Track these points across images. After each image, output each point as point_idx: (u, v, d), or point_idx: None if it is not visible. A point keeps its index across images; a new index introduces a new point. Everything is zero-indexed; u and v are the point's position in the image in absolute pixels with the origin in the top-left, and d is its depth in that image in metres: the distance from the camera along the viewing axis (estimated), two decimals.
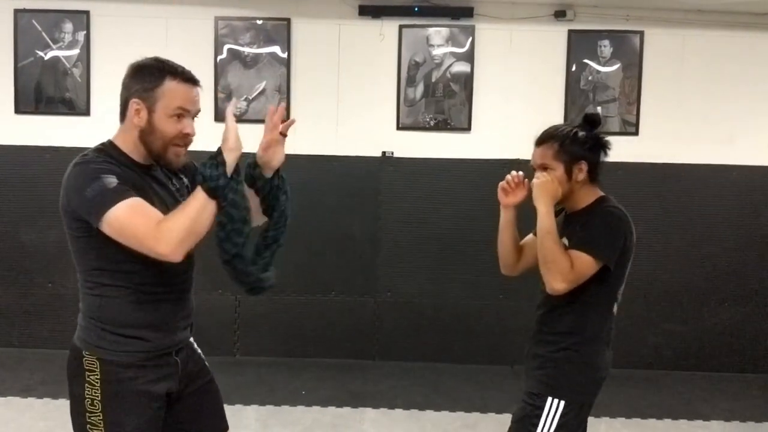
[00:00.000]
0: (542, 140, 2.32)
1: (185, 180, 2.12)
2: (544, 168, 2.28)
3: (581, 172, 2.27)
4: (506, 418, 4.12)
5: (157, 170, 2.03)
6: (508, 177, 2.37)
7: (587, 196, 2.31)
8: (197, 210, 1.80)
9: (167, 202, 1.98)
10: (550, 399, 2.23)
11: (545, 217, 2.22)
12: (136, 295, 1.96)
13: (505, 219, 2.42)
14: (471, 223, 5.16)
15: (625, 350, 5.19)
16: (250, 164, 1.99)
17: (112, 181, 1.83)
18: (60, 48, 5.13)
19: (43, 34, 5.12)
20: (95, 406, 1.94)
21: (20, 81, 5.15)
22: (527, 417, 2.28)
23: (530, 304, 5.01)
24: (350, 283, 5.21)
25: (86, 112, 5.18)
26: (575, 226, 2.28)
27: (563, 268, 2.16)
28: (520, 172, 2.39)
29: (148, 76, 1.93)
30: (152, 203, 1.89)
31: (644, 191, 5.08)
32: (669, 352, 5.21)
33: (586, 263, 2.17)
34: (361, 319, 5.25)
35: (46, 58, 5.13)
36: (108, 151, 1.96)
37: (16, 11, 5.11)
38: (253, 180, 1.98)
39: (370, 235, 5.16)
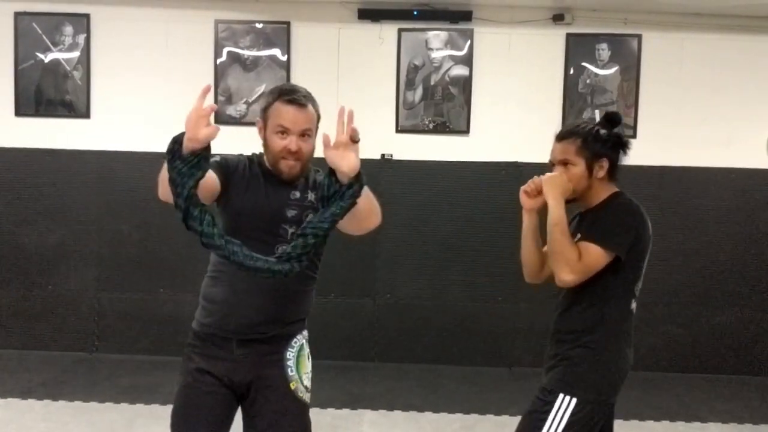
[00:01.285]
0: (564, 136, 2.30)
1: (311, 195, 2.21)
2: (565, 163, 2.27)
3: (602, 169, 2.26)
4: (504, 420, 4.15)
5: (291, 180, 2.18)
6: (531, 182, 2.33)
7: (603, 192, 2.29)
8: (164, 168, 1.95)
9: (270, 201, 2.16)
10: (561, 396, 2.20)
11: (554, 209, 2.20)
12: (211, 270, 2.23)
13: (528, 224, 2.37)
14: (470, 225, 5.18)
15: None
16: (327, 173, 1.95)
17: (215, 158, 2.10)
18: (60, 51, 5.15)
19: (44, 36, 5.15)
20: None
21: (20, 83, 5.18)
22: (537, 412, 2.24)
23: (528, 306, 5.08)
24: (349, 284, 5.22)
25: (86, 115, 5.20)
26: (588, 221, 2.27)
27: (570, 259, 2.14)
28: (543, 176, 2.32)
29: (267, 98, 2.19)
30: (250, 196, 2.15)
31: (642, 193, 5.03)
32: (667, 354, 5.23)
33: (594, 254, 2.15)
34: (360, 321, 5.26)
35: (46, 60, 5.16)
36: (257, 154, 2.26)
37: (17, 14, 5.13)
38: (327, 187, 1.94)
39: (369, 237, 5.14)
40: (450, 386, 4.82)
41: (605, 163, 2.26)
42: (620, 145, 2.30)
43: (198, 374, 2.17)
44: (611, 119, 2.32)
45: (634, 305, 2.28)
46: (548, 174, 2.29)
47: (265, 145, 2.17)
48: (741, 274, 5.19)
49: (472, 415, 4.29)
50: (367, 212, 2.08)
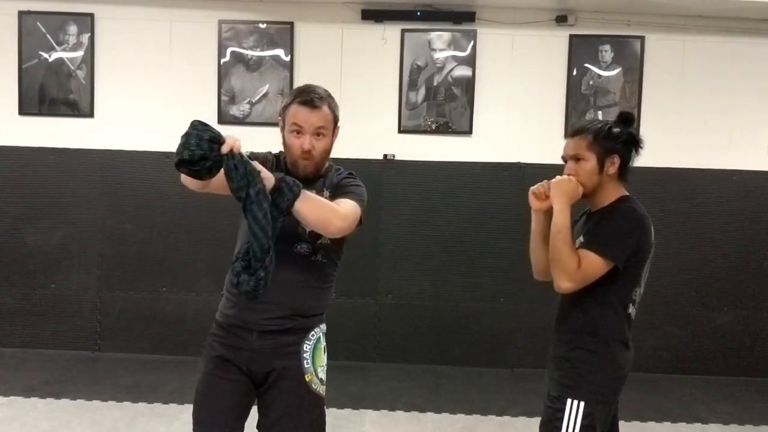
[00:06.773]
0: (576, 131, 2.32)
1: (327, 194, 2.29)
2: (577, 159, 2.28)
3: (613, 165, 2.27)
4: (506, 421, 4.16)
5: (313, 180, 2.26)
6: (540, 184, 2.35)
7: (612, 193, 2.30)
8: None
9: None
10: (569, 401, 2.22)
11: (558, 216, 2.22)
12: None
13: (536, 225, 2.39)
14: (472, 226, 5.18)
15: None
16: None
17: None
18: (64, 50, 5.17)
19: (48, 36, 5.16)
20: None
21: (24, 82, 5.19)
22: (550, 421, 2.27)
23: (530, 307, 5.09)
24: (351, 285, 5.22)
25: (90, 114, 5.21)
26: (593, 224, 2.29)
27: (569, 268, 2.17)
28: (552, 180, 2.34)
29: (286, 99, 2.27)
30: None
31: (644, 195, 5.03)
32: (668, 356, 5.23)
33: (593, 263, 2.17)
34: (362, 321, 5.27)
35: (50, 59, 5.17)
36: (283, 152, 2.31)
37: (21, 13, 5.15)
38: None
39: (371, 237, 5.17)
40: (452, 387, 4.83)
41: (616, 160, 2.28)
42: (633, 143, 2.31)
43: (219, 362, 2.25)
44: (625, 118, 2.34)
45: (632, 310, 2.31)
46: (558, 178, 2.30)
47: (284, 144, 2.25)
48: (743, 276, 5.19)
49: (474, 415, 4.29)
50: (314, 221, 2.09)
